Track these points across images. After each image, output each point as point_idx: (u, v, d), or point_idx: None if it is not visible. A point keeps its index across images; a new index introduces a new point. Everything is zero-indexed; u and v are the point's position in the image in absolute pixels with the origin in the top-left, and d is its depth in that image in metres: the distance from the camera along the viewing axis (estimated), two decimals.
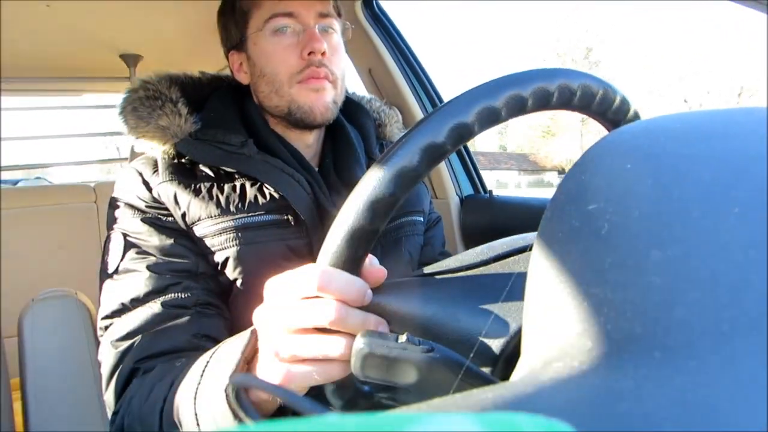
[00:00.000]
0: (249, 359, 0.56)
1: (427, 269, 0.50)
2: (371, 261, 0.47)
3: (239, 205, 0.86)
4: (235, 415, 0.52)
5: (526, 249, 0.47)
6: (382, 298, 0.47)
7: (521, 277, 0.43)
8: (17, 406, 1.09)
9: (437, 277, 0.48)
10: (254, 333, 0.55)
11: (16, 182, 5.42)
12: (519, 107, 0.46)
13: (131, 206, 0.85)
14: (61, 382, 1.07)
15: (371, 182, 0.43)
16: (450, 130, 0.43)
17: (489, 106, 0.44)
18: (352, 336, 0.44)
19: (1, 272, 1.99)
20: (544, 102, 0.47)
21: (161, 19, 1.77)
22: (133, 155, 2.24)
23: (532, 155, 37.38)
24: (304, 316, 0.46)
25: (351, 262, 0.45)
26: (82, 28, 1.79)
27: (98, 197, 2.31)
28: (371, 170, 0.44)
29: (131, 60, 2.20)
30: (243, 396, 0.48)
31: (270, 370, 0.49)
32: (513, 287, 0.44)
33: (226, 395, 0.52)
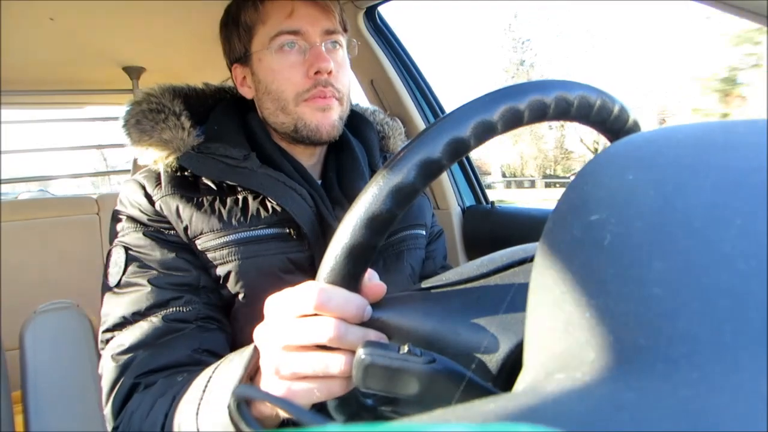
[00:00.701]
0: (252, 375, 0.56)
1: (427, 283, 0.49)
2: (371, 276, 0.47)
3: (241, 219, 0.86)
4: (238, 429, 0.52)
5: (526, 261, 0.47)
6: (382, 313, 0.47)
7: (521, 289, 0.43)
8: (19, 419, 1.09)
9: (437, 290, 0.48)
10: (257, 349, 0.55)
11: (18, 195, 5.43)
12: (515, 120, 0.46)
13: (133, 219, 0.85)
14: (62, 395, 1.07)
15: (368, 199, 0.43)
16: (446, 146, 0.43)
17: (485, 120, 0.44)
18: (352, 352, 0.44)
19: (3, 284, 1.99)
20: (540, 114, 0.46)
21: (164, 31, 1.78)
22: (136, 168, 2.25)
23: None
24: (303, 334, 0.46)
25: (350, 278, 0.45)
26: (85, 41, 1.80)
27: (101, 209, 2.31)
28: (368, 187, 0.44)
29: (134, 72, 2.21)
30: (245, 409, 0.48)
31: (272, 388, 0.49)
32: (514, 299, 0.44)
33: (229, 409, 0.52)
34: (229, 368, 0.57)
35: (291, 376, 0.47)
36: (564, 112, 0.48)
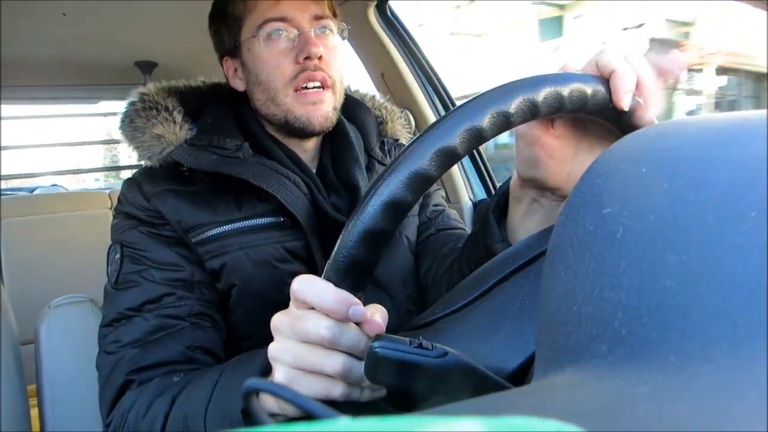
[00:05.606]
0: (265, 375, 0.56)
1: (420, 319, 0.50)
2: (374, 312, 0.48)
3: (235, 210, 0.85)
4: (256, 422, 0.52)
5: (514, 271, 0.47)
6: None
7: (513, 305, 0.44)
8: (34, 413, 1.10)
9: (431, 326, 0.49)
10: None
11: (32, 190, 5.48)
12: (531, 112, 0.46)
13: (130, 217, 0.86)
14: (77, 389, 1.08)
15: (385, 184, 0.43)
16: (462, 133, 0.43)
17: (501, 111, 0.44)
18: (350, 354, 0.46)
19: (18, 279, 2.01)
20: (557, 107, 0.46)
21: (176, 26, 1.78)
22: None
23: None
24: (319, 364, 0.47)
25: (363, 263, 0.46)
26: (98, 36, 1.81)
27: (113, 204, 2.33)
28: (382, 174, 0.44)
29: (146, 67, 2.22)
30: (255, 402, 0.48)
31: (275, 377, 0.50)
32: (509, 316, 0.44)
33: (246, 403, 0.52)
34: (242, 368, 0.57)
35: (291, 365, 0.48)
36: (581, 106, 0.48)
